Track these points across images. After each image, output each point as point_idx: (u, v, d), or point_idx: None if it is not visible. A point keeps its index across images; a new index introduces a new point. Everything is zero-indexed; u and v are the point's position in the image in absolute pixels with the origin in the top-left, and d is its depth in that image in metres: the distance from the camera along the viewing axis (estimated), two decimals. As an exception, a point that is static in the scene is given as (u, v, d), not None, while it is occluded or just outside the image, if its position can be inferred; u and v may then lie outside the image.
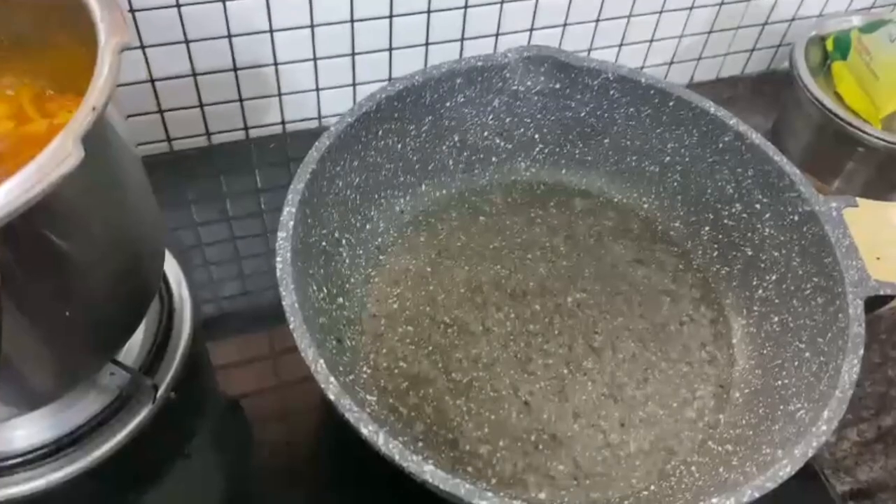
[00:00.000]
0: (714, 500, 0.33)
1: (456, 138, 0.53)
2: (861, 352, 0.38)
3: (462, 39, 0.62)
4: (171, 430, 0.45)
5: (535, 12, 0.62)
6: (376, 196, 0.50)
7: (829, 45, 0.66)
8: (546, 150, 0.55)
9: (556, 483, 0.42)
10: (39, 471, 0.43)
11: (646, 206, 0.54)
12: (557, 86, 0.52)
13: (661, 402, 0.45)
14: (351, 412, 0.34)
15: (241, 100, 0.60)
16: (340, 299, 0.46)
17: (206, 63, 0.56)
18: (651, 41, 0.68)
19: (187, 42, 0.54)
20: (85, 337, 0.38)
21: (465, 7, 0.59)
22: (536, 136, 0.54)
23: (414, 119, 0.50)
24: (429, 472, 0.32)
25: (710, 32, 0.70)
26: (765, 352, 0.46)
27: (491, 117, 0.53)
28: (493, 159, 0.55)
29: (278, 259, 0.39)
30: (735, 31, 0.71)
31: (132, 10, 0.51)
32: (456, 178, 0.54)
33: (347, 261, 0.48)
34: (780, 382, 0.43)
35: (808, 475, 0.48)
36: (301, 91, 0.61)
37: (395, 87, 0.47)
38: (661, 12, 0.66)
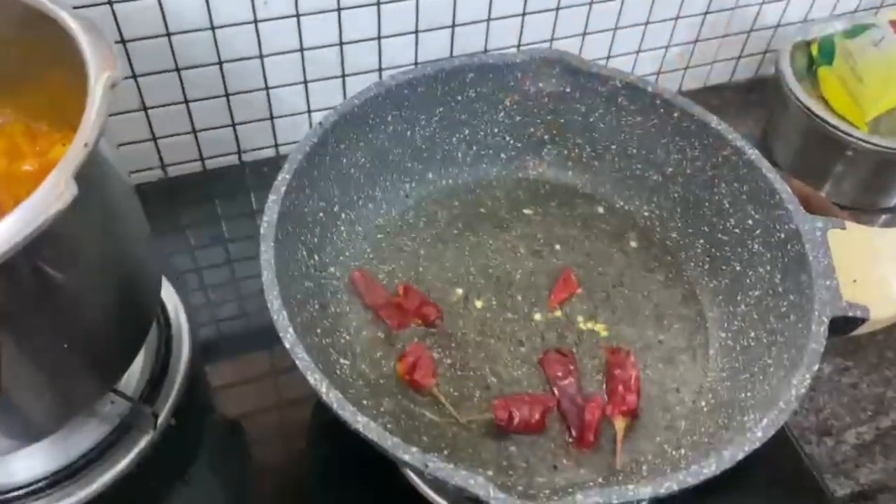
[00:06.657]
0: (630, 487, 0.34)
1: (466, 132, 0.55)
2: (815, 368, 0.38)
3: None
4: (171, 456, 0.46)
5: (521, 27, 0.63)
6: (382, 178, 0.53)
7: (815, 51, 0.65)
8: (554, 152, 0.56)
9: (505, 466, 0.43)
10: (41, 503, 0.43)
11: (645, 213, 0.55)
12: (568, 89, 0.53)
13: (626, 403, 0.46)
14: (302, 360, 0.36)
15: (233, 124, 0.61)
16: (332, 269, 0.49)
17: (198, 90, 0.57)
18: (638, 52, 0.69)
19: (178, 70, 0.56)
20: (84, 368, 0.38)
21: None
22: (546, 136, 0.56)
23: (425, 109, 0.52)
24: (362, 423, 0.35)
25: (696, 41, 0.70)
26: (737, 365, 0.46)
27: (502, 115, 0.55)
28: (502, 155, 0.57)
29: (265, 219, 0.42)
30: (721, 39, 0.71)
31: (123, 41, 0.52)
32: (463, 170, 0.56)
33: (345, 234, 0.51)
34: (743, 395, 0.43)
35: (806, 479, 0.48)
36: (293, 114, 0.62)
37: (406, 76, 0.50)
38: (646, 23, 0.67)
